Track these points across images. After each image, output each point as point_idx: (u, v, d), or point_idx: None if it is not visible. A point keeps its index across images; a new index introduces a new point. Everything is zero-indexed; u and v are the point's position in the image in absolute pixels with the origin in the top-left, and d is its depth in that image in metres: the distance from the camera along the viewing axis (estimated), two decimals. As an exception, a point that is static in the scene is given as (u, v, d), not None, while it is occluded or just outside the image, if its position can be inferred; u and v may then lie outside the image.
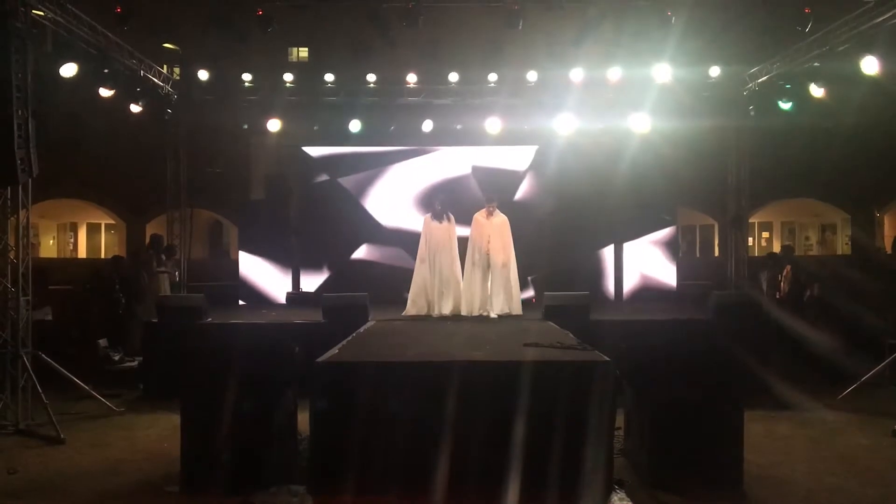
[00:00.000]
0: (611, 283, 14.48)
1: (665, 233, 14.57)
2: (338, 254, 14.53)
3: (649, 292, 14.20)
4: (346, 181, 14.65)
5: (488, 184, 13.95)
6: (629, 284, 14.49)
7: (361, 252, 14.57)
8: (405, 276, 12.73)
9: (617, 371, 6.41)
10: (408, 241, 13.88)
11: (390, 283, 13.25)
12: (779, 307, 11.26)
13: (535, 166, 14.53)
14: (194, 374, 6.88)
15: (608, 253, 14.57)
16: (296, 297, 13.88)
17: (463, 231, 11.18)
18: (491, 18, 11.26)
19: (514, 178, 14.49)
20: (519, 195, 14.39)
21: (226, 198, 19.90)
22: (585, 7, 10.50)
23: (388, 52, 13.08)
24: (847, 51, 10.16)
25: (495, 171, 14.48)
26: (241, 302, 14.27)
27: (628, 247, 14.54)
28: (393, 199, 14.54)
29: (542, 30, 12.80)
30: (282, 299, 14.04)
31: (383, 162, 14.61)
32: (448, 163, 14.56)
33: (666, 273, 14.47)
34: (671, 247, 14.64)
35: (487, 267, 10.68)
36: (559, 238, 13.58)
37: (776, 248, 24.73)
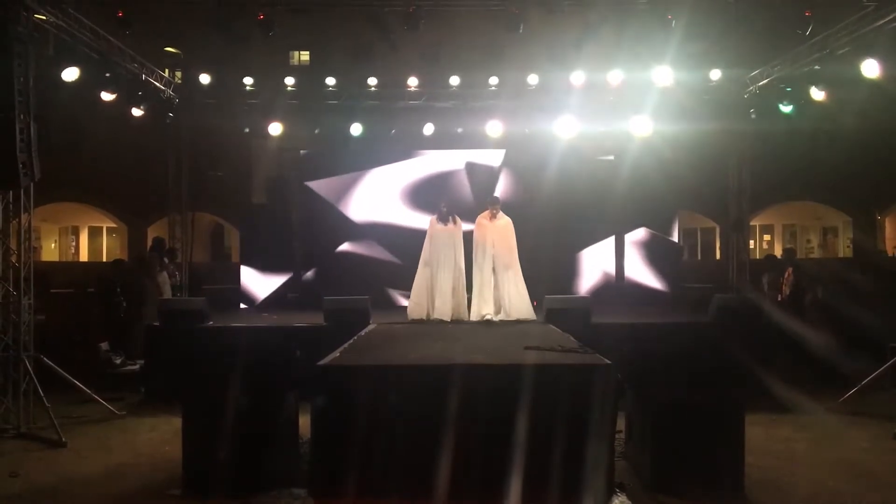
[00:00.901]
0: (581, 284, 14.59)
1: (639, 234, 14.74)
2: (322, 253, 14.69)
3: (612, 290, 14.30)
4: (322, 184, 14.81)
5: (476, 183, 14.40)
6: (592, 282, 14.68)
7: (343, 249, 14.69)
8: (386, 271, 13.32)
9: (618, 374, 6.42)
10: (384, 235, 14.33)
11: (372, 280, 13.56)
12: (780, 310, 11.25)
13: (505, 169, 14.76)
14: (196, 377, 6.91)
15: (584, 255, 14.76)
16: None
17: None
18: (492, 22, 11.26)
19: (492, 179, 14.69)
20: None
21: (227, 201, 19.92)
22: (586, 11, 10.52)
23: (389, 56, 13.10)
24: (847, 54, 10.17)
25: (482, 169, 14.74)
26: (241, 305, 14.30)
27: (593, 248, 14.79)
28: (373, 197, 14.71)
29: (543, 33, 12.80)
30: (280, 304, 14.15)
31: (362, 166, 14.80)
32: (420, 167, 14.76)
33: (637, 271, 14.74)
34: (641, 247, 14.77)
35: (492, 270, 10.55)
36: (536, 240, 13.38)
37: (777, 250, 24.70)
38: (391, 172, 14.74)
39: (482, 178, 14.56)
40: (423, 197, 14.26)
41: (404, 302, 13.24)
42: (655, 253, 14.75)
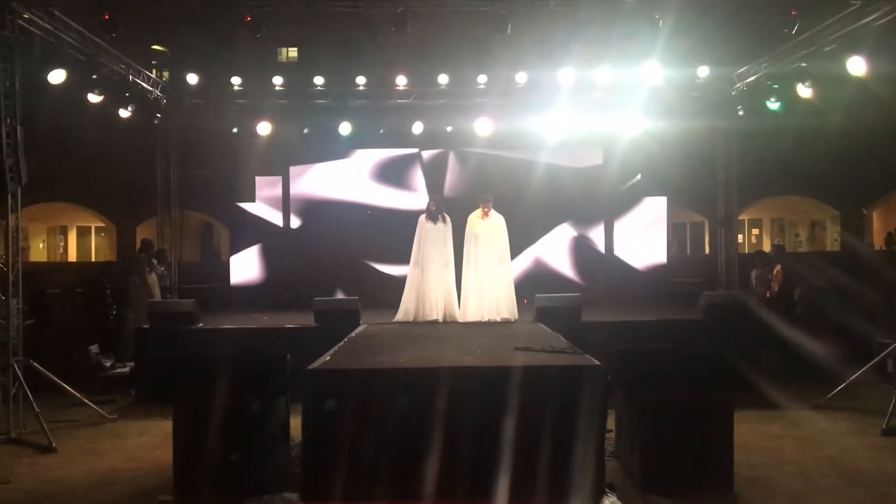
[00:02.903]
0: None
1: (563, 228, 15.05)
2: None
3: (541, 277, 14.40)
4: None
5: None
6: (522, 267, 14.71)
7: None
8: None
9: (608, 375, 6.46)
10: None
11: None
12: (768, 307, 11.31)
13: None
14: (186, 380, 6.92)
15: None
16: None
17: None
18: (480, 20, 11.24)
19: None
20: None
21: (216, 200, 19.84)
22: (574, 9, 10.51)
23: (378, 54, 13.07)
24: (833, 51, 10.20)
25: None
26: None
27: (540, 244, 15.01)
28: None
29: (531, 32, 12.80)
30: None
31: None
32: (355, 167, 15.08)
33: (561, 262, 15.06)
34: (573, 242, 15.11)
35: (484, 269, 10.47)
36: None
37: (766, 244, 24.85)
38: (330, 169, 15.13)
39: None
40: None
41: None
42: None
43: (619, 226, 15.11)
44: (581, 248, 15.13)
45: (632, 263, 15.01)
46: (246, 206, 15.29)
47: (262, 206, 15.15)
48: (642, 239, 15.06)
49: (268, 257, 14.97)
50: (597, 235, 15.17)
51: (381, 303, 11.50)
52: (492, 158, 14.64)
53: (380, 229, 14.35)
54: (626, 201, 15.15)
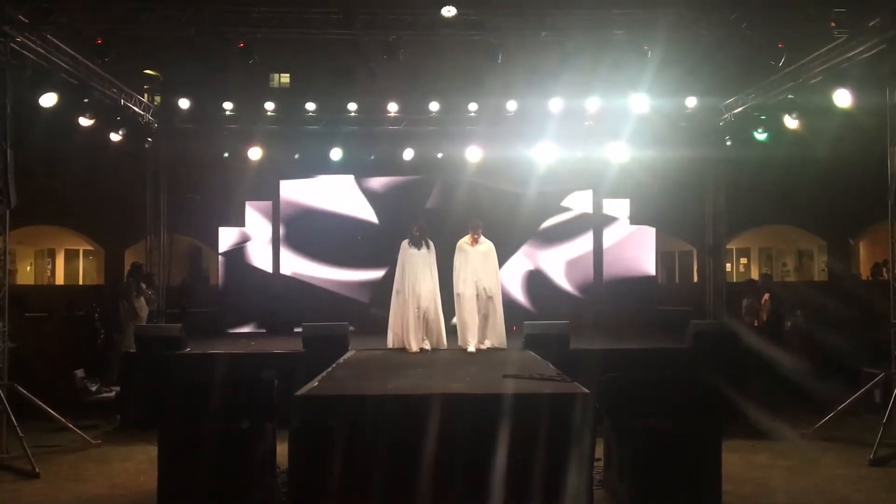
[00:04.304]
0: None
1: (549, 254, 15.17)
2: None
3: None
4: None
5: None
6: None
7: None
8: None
9: (596, 403, 6.45)
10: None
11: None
12: (757, 335, 11.35)
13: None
14: (172, 406, 6.86)
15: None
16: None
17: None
18: (471, 49, 11.33)
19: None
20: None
21: (206, 224, 19.81)
22: (564, 40, 10.61)
23: (369, 81, 13.15)
24: (820, 83, 10.35)
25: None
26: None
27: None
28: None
29: (522, 61, 12.93)
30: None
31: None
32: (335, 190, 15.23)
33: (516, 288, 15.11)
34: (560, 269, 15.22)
35: (475, 298, 10.27)
36: None
37: (754, 273, 24.97)
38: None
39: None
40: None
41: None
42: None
43: (608, 254, 15.18)
44: (569, 276, 15.18)
45: (620, 291, 15.04)
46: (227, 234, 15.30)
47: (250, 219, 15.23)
48: (631, 267, 15.13)
49: (245, 283, 15.05)
50: (585, 263, 15.21)
51: (369, 328, 11.47)
52: (479, 185, 14.69)
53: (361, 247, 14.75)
54: (614, 229, 15.23)
